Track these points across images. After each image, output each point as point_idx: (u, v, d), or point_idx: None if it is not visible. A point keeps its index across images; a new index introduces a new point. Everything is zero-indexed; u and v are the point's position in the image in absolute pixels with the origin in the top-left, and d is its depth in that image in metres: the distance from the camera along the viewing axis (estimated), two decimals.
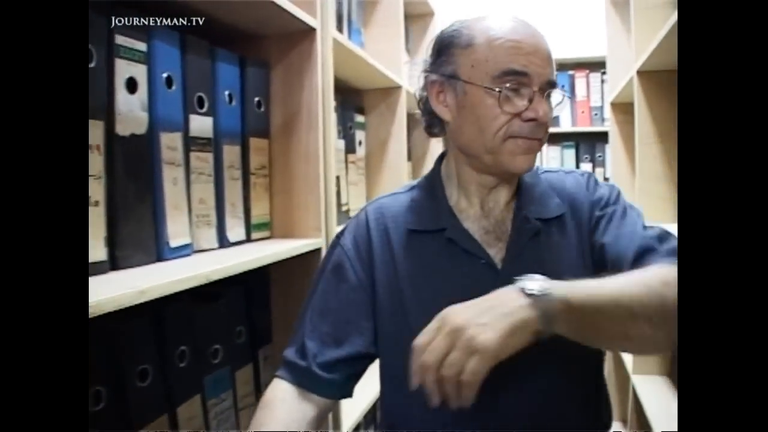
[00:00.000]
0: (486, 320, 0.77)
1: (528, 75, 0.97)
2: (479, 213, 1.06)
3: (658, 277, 0.87)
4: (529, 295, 0.81)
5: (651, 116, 1.92)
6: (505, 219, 1.05)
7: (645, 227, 1.01)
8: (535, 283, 0.82)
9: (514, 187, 1.07)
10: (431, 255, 1.05)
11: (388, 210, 1.10)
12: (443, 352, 0.76)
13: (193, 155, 1.10)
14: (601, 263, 1.01)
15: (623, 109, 2.35)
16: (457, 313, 0.78)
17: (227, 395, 1.18)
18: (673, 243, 0.97)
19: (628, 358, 2.15)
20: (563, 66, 3.32)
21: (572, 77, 3.38)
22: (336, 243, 1.11)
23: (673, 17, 1.41)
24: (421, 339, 0.79)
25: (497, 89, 0.97)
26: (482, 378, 0.75)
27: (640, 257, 0.95)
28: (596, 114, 3.36)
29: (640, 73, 1.91)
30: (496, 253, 1.03)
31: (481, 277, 1.00)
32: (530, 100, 0.97)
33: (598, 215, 1.05)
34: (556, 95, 1.01)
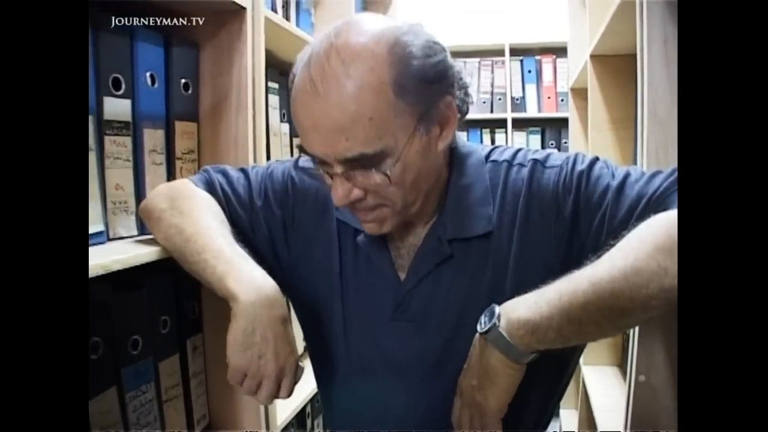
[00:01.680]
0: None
1: (317, 157, 0.84)
2: (394, 233, 0.96)
3: (648, 234, 0.76)
4: (482, 334, 0.82)
5: (604, 102, 1.90)
6: (421, 240, 0.95)
7: (622, 190, 0.85)
8: (486, 317, 0.82)
9: (432, 205, 0.94)
10: (349, 248, 0.99)
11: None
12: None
13: (107, 139, 1.05)
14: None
15: (581, 94, 2.32)
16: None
17: (148, 387, 1.14)
18: (667, 177, 0.84)
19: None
20: (530, 51, 3.29)
21: (539, 62, 3.35)
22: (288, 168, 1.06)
23: None
24: None
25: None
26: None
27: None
28: (562, 100, 3.34)
29: (593, 57, 1.88)
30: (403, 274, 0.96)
31: (384, 292, 0.96)
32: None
33: (565, 218, 0.88)
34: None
